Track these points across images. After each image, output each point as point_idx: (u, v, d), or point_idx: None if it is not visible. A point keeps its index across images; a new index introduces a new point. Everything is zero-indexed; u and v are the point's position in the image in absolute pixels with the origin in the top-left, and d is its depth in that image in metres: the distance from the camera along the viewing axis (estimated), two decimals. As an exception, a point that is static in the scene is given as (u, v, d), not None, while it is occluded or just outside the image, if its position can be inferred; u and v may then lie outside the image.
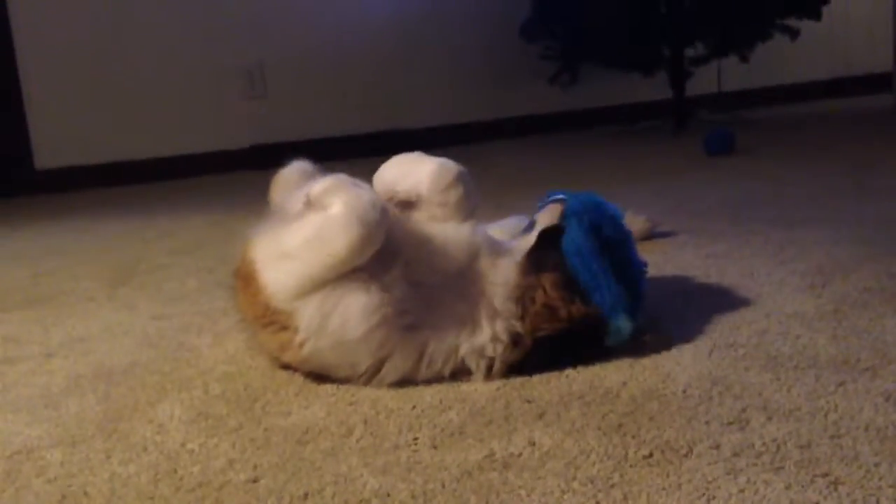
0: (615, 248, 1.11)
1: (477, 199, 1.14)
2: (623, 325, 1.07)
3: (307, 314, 1.04)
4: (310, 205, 1.07)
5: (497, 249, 1.13)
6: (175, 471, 0.89)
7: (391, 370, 1.06)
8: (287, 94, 4.11)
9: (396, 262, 1.06)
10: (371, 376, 1.06)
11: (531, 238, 1.14)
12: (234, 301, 1.21)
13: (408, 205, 1.15)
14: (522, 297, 1.06)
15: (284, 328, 1.07)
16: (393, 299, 1.04)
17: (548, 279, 1.07)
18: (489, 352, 1.06)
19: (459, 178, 1.12)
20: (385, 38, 4.23)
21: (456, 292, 1.08)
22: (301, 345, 1.06)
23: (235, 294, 1.18)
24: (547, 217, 1.16)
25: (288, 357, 1.09)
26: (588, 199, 1.16)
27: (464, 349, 1.06)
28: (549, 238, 1.11)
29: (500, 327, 1.06)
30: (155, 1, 3.87)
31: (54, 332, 1.47)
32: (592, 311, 1.06)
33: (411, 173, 1.14)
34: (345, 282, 1.03)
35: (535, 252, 1.10)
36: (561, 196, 1.19)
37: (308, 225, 1.05)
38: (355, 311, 1.03)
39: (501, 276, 1.08)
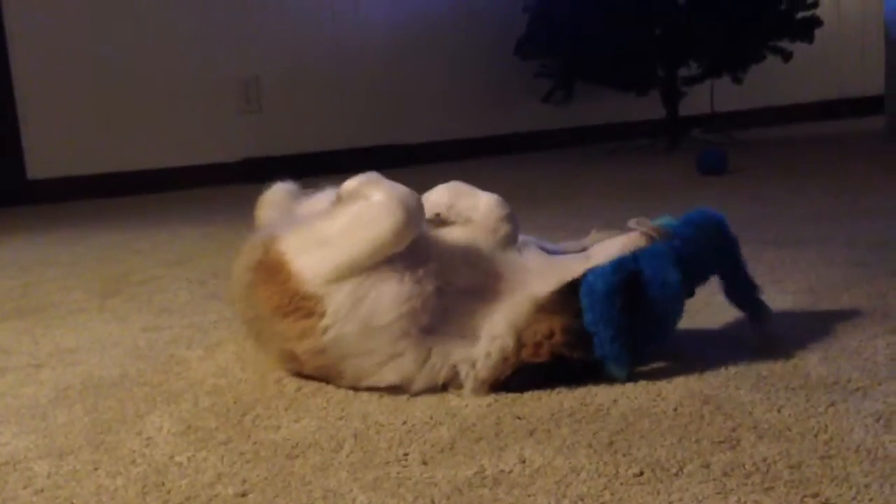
0: (652, 306, 1.07)
1: (517, 238, 1.17)
2: (615, 374, 1.06)
3: (339, 298, 1.06)
4: (342, 200, 1.12)
5: (522, 273, 1.12)
6: (163, 484, 0.88)
7: (394, 369, 1.06)
8: (282, 108, 4.11)
9: (429, 260, 1.09)
10: (373, 374, 1.07)
11: (574, 264, 1.12)
12: (245, 299, 1.20)
13: (447, 224, 1.18)
14: (522, 334, 1.06)
15: (309, 315, 1.07)
16: (423, 294, 1.06)
17: (559, 322, 1.05)
18: (479, 366, 1.06)
19: (512, 217, 1.16)
20: (381, 54, 4.25)
21: (472, 305, 1.09)
22: (325, 330, 1.07)
23: (250, 290, 1.17)
24: (616, 245, 1.13)
25: (305, 345, 1.09)
26: (659, 249, 1.09)
27: (456, 356, 1.07)
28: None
29: (495, 348, 1.06)
30: (151, 12, 3.88)
31: (43, 342, 1.47)
32: (590, 358, 1.05)
33: (468, 198, 1.18)
34: (379, 270, 1.06)
35: (566, 290, 1.08)
36: (657, 223, 1.15)
37: (348, 213, 1.09)
38: (388, 297, 1.05)
39: (513, 311, 1.08)
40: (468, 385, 1.06)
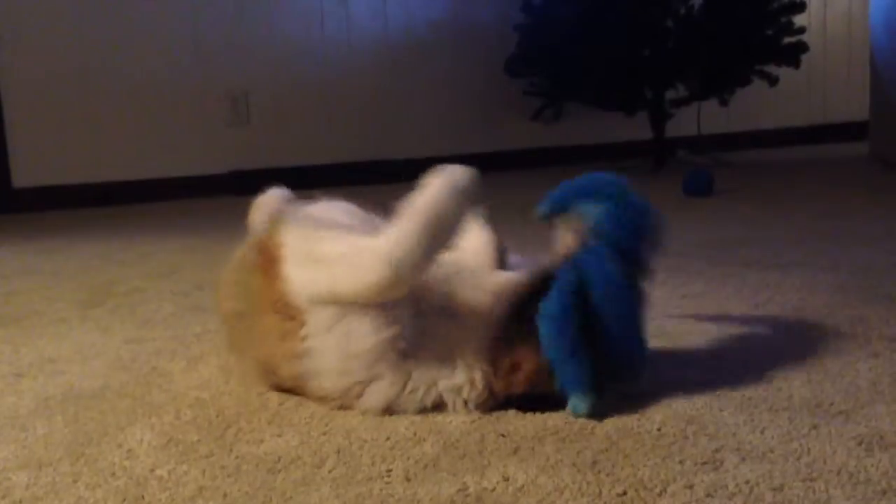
0: (600, 311, 1.01)
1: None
2: (579, 404, 1.01)
3: (319, 316, 1.04)
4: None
5: (484, 292, 1.10)
6: (143, 497, 0.87)
7: (376, 393, 1.05)
8: (270, 122, 4.12)
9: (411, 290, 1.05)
10: (356, 396, 1.06)
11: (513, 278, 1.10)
12: (235, 286, 1.19)
13: None
14: (495, 358, 1.04)
15: (292, 318, 1.06)
16: (403, 319, 1.04)
17: (524, 354, 1.02)
18: (464, 393, 1.05)
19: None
20: (370, 69, 4.26)
21: (447, 327, 1.07)
22: (304, 338, 1.05)
23: (248, 274, 1.15)
24: (566, 239, 1.08)
25: (285, 347, 1.08)
26: (592, 248, 1.04)
27: (442, 385, 1.05)
28: (544, 285, 1.04)
29: (477, 375, 1.05)
30: (141, 23, 3.88)
31: (25, 352, 1.45)
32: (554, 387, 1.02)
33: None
34: None
35: (520, 300, 1.05)
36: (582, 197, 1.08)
37: (349, 242, 1.04)
38: (368, 323, 1.03)
39: (478, 341, 1.05)
40: (458, 410, 1.06)
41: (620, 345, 1.03)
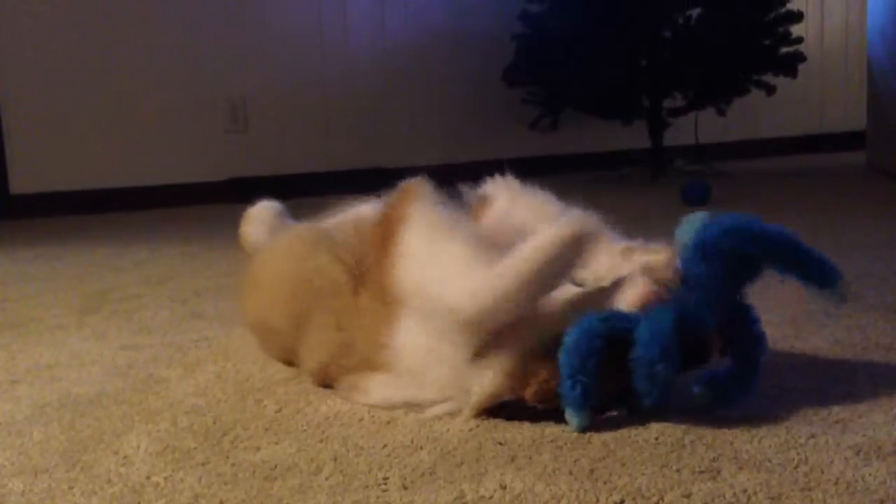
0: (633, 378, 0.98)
1: None
2: (571, 420, 1.00)
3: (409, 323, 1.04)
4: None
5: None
6: (139, 504, 0.87)
7: (435, 386, 1.06)
8: (268, 129, 4.12)
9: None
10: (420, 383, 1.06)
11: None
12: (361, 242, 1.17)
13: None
14: (514, 374, 1.02)
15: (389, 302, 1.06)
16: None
17: (548, 364, 1.00)
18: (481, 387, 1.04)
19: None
20: (369, 77, 4.27)
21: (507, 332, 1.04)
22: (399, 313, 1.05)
23: (372, 234, 1.14)
24: (629, 299, 1.04)
25: (387, 310, 1.06)
26: (662, 317, 0.99)
27: (470, 373, 1.04)
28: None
29: (497, 379, 1.03)
30: (139, 30, 3.88)
31: (21, 358, 1.45)
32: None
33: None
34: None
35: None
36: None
37: (473, 256, 1.01)
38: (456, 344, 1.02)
39: (508, 359, 1.03)
40: (466, 411, 1.04)
41: (646, 396, 1.00)
